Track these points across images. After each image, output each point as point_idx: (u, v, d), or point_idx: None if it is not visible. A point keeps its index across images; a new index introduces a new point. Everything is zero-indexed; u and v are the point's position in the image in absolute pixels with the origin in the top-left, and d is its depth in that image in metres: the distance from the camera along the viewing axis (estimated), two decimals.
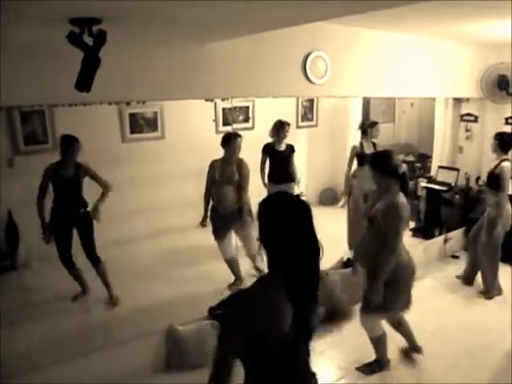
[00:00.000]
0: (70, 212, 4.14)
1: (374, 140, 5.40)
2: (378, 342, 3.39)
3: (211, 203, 4.46)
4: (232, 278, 4.56)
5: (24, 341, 3.55)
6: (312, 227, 1.58)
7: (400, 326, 3.47)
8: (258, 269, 4.55)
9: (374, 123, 5.45)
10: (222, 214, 4.37)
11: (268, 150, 5.21)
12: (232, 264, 4.55)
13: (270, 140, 5.25)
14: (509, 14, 3.23)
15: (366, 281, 3.22)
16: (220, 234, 4.43)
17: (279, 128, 5.14)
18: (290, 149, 5.25)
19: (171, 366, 3.56)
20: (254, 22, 2.56)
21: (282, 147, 5.21)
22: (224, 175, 4.34)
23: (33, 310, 4.13)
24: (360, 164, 5.26)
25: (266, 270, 1.62)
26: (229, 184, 4.33)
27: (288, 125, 5.21)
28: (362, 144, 5.34)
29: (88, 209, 4.21)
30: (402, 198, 3.05)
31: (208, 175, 4.42)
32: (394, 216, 3.02)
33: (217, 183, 4.35)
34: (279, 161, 5.21)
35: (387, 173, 3.09)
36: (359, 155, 5.27)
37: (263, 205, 1.63)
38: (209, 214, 4.47)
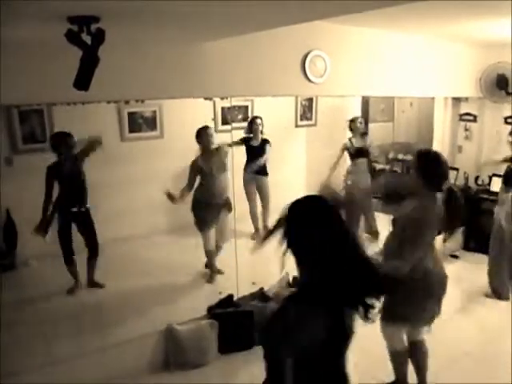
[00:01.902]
0: (74, 209, 4.27)
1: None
2: (397, 358, 3.04)
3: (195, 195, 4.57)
4: None
5: (23, 340, 3.54)
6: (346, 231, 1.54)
7: (415, 353, 3.13)
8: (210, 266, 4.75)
9: (354, 118, 5.75)
10: (211, 205, 4.48)
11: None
12: (212, 255, 4.69)
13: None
14: (508, 14, 3.23)
15: None
16: (209, 224, 4.55)
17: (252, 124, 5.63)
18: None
19: (170, 365, 3.57)
20: (252, 20, 2.55)
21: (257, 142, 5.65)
22: (212, 167, 4.49)
23: (31, 308, 4.12)
24: (352, 159, 5.63)
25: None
26: (218, 175, 4.50)
27: (259, 118, 5.66)
28: (350, 140, 5.67)
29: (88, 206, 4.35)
30: (431, 202, 2.77)
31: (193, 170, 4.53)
32: (417, 221, 2.75)
33: (208, 175, 4.46)
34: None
35: (427, 176, 2.81)
36: (350, 150, 5.61)
37: (296, 209, 1.57)
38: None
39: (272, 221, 1.71)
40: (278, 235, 1.58)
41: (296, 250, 1.53)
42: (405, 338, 3.07)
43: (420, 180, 2.81)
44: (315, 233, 1.50)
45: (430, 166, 2.82)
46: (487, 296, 4.63)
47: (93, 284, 4.54)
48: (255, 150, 5.64)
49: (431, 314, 2.95)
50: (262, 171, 5.73)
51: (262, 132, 5.69)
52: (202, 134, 4.53)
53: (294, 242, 1.53)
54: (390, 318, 2.89)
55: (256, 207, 5.86)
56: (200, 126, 4.59)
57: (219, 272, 4.78)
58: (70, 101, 3.45)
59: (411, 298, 2.80)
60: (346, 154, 5.76)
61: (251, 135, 5.68)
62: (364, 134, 5.77)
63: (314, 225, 1.52)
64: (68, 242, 4.32)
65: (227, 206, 4.62)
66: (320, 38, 3.90)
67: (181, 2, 1.84)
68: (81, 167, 4.28)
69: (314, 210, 1.56)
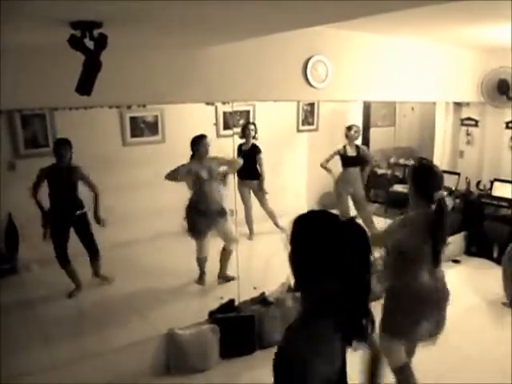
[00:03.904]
0: (67, 213, 4.30)
1: (356, 143, 5.79)
2: (401, 374, 2.82)
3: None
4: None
5: (24, 343, 3.54)
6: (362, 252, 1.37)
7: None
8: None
9: (350, 126, 5.75)
10: (205, 212, 4.44)
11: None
12: (204, 262, 4.64)
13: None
14: (508, 18, 3.24)
15: (385, 299, 2.87)
16: (202, 232, 4.52)
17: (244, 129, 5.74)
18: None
19: (171, 369, 3.56)
20: (254, 25, 2.56)
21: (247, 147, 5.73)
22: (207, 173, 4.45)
23: (32, 312, 4.12)
24: (344, 166, 5.77)
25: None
26: (212, 181, 4.45)
27: (253, 123, 5.86)
28: (345, 147, 5.72)
29: (84, 210, 4.40)
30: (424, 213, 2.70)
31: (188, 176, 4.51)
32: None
33: (200, 182, 4.43)
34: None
35: (417, 189, 2.78)
36: (343, 157, 5.73)
37: (304, 225, 1.42)
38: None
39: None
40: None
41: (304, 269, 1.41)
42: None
43: (414, 191, 2.80)
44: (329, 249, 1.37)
45: (422, 177, 2.80)
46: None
47: (98, 275, 4.60)
48: (245, 154, 5.67)
49: (424, 330, 2.83)
50: (253, 175, 5.77)
51: (254, 137, 5.78)
52: (198, 143, 4.46)
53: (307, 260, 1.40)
54: (385, 330, 2.79)
55: (250, 211, 5.96)
56: (196, 135, 4.51)
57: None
58: (72, 105, 3.47)
59: (401, 312, 2.75)
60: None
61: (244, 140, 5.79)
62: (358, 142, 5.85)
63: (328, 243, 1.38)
64: (62, 243, 4.31)
65: (221, 213, 4.54)
66: (321, 43, 3.92)
67: (183, 7, 1.85)
68: (73, 176, 4.33)
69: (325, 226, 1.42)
